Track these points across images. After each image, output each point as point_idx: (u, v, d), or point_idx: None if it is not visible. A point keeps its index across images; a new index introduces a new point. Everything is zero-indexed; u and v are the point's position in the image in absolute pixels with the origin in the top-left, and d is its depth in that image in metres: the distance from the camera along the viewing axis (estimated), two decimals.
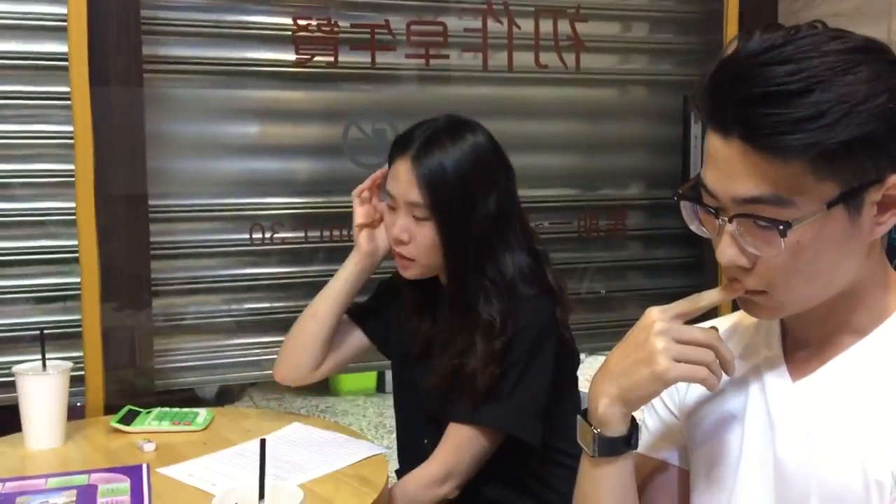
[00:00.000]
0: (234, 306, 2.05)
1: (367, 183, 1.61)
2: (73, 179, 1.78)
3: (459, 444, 1.47)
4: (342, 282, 1.58)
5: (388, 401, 1.63)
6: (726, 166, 0.83)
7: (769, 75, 0.79)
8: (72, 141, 1.77)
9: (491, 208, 1.46)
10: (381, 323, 1.66)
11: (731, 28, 2.22)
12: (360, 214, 1.58)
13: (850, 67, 0.79)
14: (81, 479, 1.36)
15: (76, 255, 1.79)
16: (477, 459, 1.48)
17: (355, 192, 1.61)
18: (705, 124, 0.86)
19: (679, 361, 0.89)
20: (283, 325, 2.09)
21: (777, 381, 0.94)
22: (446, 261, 1.48)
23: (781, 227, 0.81)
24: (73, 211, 1.79)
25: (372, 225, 1.59)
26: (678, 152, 2.38)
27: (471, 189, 1.45)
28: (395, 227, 1.49)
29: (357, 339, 1.66)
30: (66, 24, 1.75)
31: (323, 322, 1.58)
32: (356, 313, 1.66)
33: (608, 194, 2.39)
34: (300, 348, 1.61)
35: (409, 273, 1.52)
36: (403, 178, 1.46)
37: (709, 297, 0.91)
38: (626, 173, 2.42)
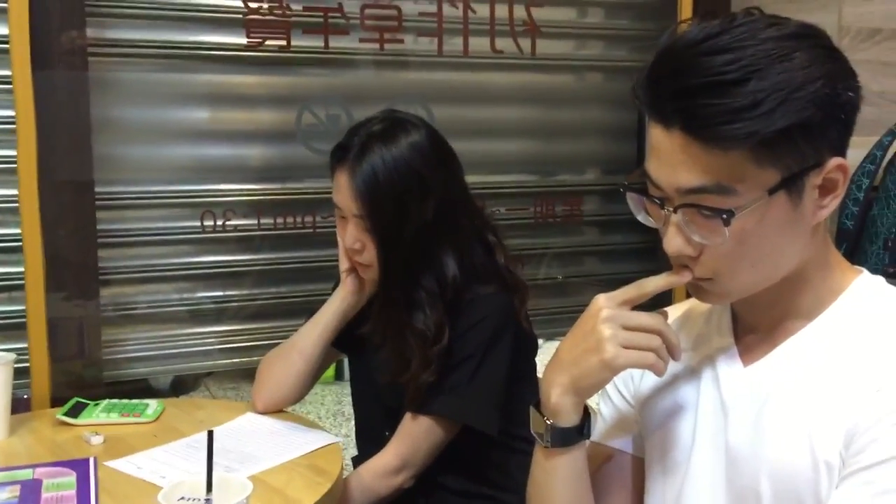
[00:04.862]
0: (185, 295, 2.01)
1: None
2: (15, 166, 1.73)
3: (415, 435, 1.46)
4: (329, 318, 1.57)
5: (347, 389, 1.61)
6: (669, 157, 0.83)
7: (707, 65, 0.79)
8: (14, 126, 1.72)
9: (427, 215, 1.43)
10: (343, 330, 1.64)
11: (686, 13, 2.23)
12: (347, 258, 1.54)
13: (786, 54, 0.80)
14: (26, 474, 1.32)
15: (20, 243, 1.75)
16: (432, 450, 1.47)
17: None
18: (647, 116, 0.85)
19: (627, 348, 0.89)
20: (235, 314, 2.06)
21: (729, 367, 0.95)
22: (379, 270, 1.47)
23: (725, 216, 0.81)
24: (16, 198, 1.74)
25: None
26: (633, 138, 2.38)
27: (404, 198, 1.42)
28: (346, 237, 1.48)
29: (332, 355, 1.66)
30: (6, 4, 1.69)
31: (310, 358, 1.58)
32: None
33: (564, 180, 2.39)
34: (288, 384, 1.59)
35: (369, 275, 1.52)
36: (343, 190, 1.45)
37: (654, 282, 0.91)
38: (582, 159, 2.42)
